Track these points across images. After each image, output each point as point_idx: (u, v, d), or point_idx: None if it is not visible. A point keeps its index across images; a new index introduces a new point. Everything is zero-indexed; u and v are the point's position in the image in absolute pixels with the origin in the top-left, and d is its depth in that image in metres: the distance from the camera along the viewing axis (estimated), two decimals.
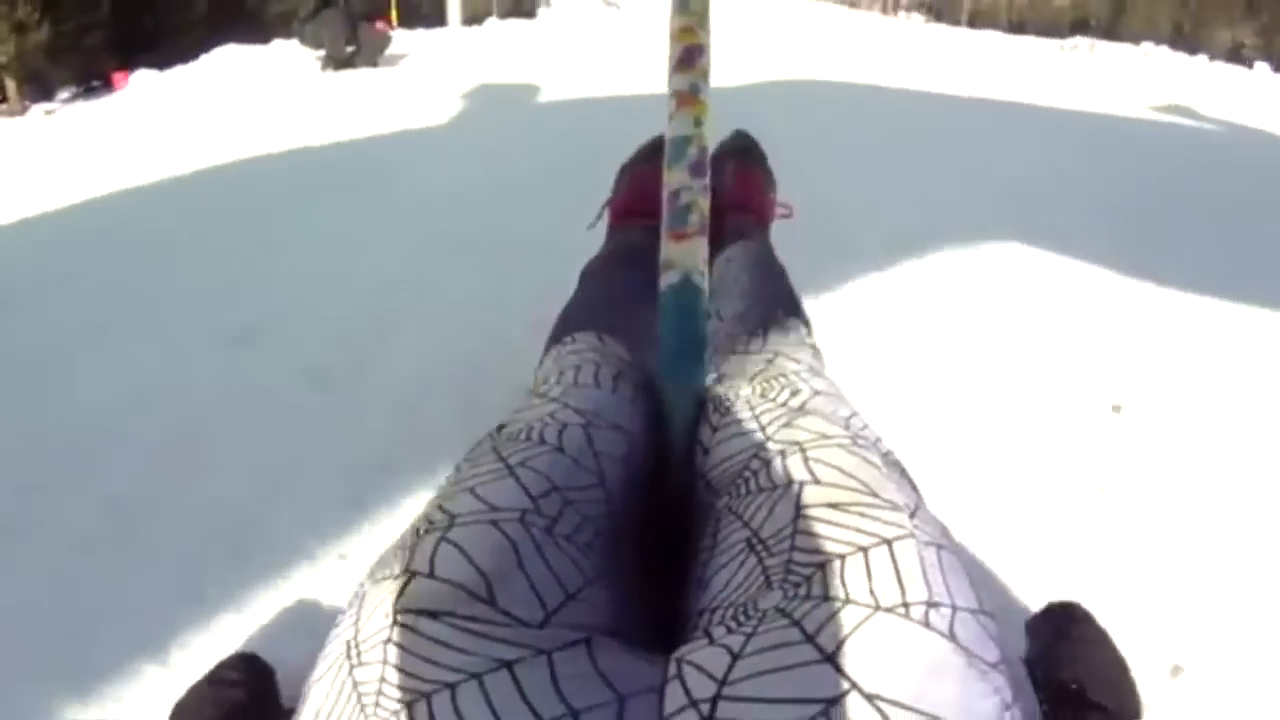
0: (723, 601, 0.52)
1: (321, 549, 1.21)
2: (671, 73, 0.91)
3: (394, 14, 10.74)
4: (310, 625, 1.09)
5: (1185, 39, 11.51)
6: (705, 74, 0.90)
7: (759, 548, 0.53)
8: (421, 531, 0.54)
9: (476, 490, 0.57)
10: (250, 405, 1.58)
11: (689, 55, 0.90)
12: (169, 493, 1.33)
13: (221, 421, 1.52)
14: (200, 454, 1.43)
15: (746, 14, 10.97)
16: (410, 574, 0.50)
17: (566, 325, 0.86)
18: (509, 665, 0.45)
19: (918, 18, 19.21)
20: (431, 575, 0.50)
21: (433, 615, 0.47)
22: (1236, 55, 10.60)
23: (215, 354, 1.76)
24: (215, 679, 0.71)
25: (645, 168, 1.07)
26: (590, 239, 1.21)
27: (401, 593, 0.49)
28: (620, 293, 0.92)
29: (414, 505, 1.27)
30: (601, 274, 0.97)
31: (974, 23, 16.25)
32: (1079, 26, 14.47)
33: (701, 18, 0.93)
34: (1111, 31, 13.47)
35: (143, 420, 1.53)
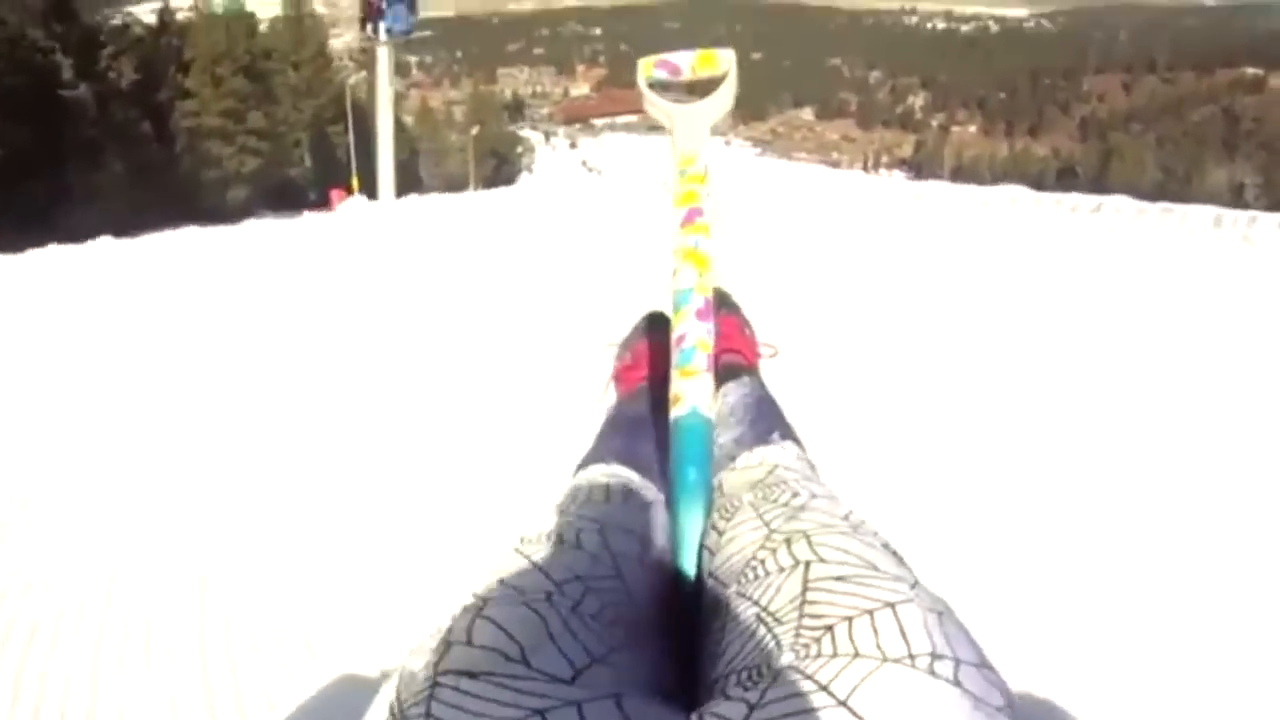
0: (736, 667, 0.54)
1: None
2: (676, 232, 0.99)
3: (354, 181, 12.81)
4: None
5: (1178, 180, 10.20)
6: (706, 231, 0.98)
7: (768, 619, 0.55)
8: (455, 613, 0.57)
9: (504, 579, 0.61)
10: None
11: (690, 215, 0.99)
12: None
13: None
14: None
15: (731, 181, 11.51)
16: (448, 644, 0.53)
17: (584, 463, 0.91)
18: (541, 713, 0.47)
19: (899, 175, 25.02)
20: (469, 643, 0.53)
21: (472, 676, 0.50)
22: (1238, 196, 9.27)
23: None
24: None
25: (643, 339, 1.15)
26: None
27: (441, 658, 0.52)
28: (630, 431, 0.98)
29: None
30: (613, 422, 1.04)
31: (955, 177, 17.55)
32: (1065, 175, 13.79)
33: (700, 181, 1.02)
34: (1099, 181, 12.54)
35: None
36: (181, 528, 2.11)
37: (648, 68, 1.17)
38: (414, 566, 1.89)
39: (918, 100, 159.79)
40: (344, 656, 1.55)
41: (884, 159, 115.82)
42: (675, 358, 0.91)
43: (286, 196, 34.90)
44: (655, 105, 1.14)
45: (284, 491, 2.37)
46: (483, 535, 1.90)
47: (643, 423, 1.01)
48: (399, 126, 55.58)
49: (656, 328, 1.13)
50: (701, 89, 1.14)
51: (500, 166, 54.97)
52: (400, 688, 0.52)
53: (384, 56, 31.43)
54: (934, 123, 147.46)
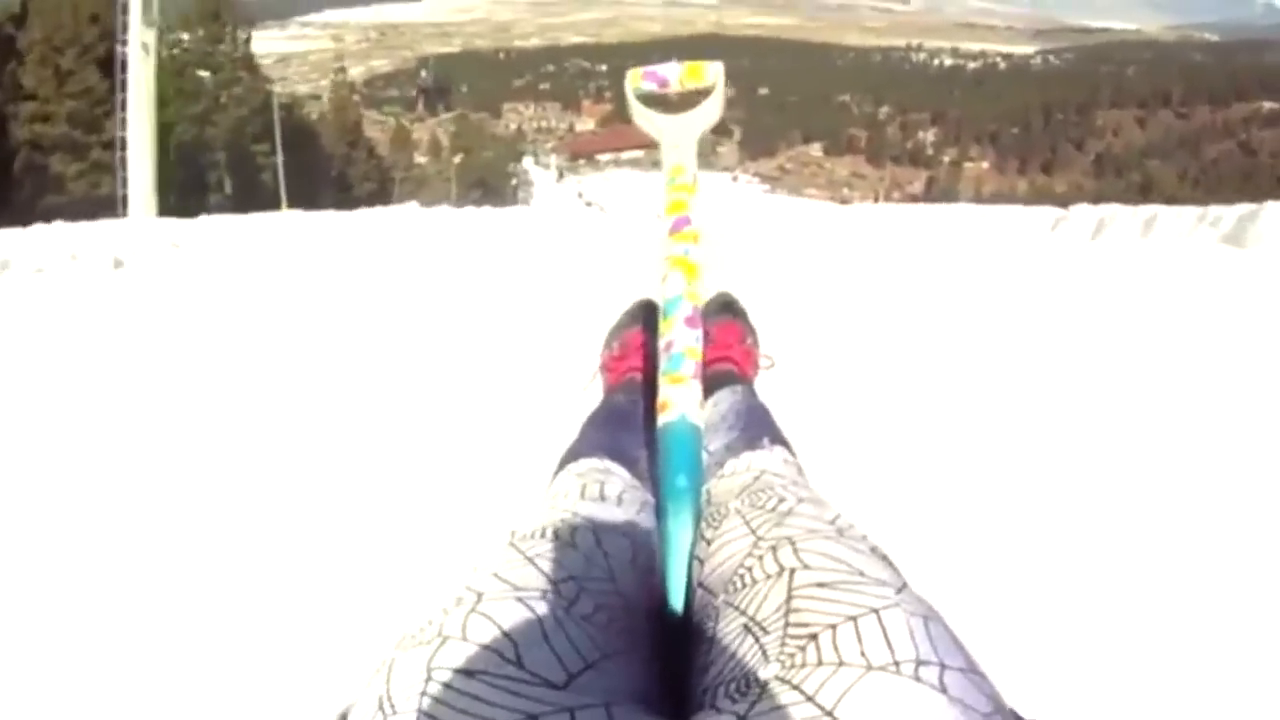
0: (724, 678, 0.55)
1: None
2: (665, 239, 1.01)
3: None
4: None
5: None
6: (695, 239, 1.00)
7: (755, 629, 0.56)
8: (450, 606, 0.57)
9: (499, 574, 0.61)
10: None
11: (679, 224, 1.01)
12: None
13: None
14: None
15: (736, 220, 11.88)
16: (444, 638, 0.53)
17: (573, 454, 0.92)
18: (534, 718, 0.48)
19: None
20: (465, 639, 0.53)
21: (468, 674, 0.50)
22: None
23: None
24: None
25: (633, 329, 1.16)
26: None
27: (436, 653, 0.52)
28: (619, 426, 0.99)
29: None
30: (603, 414, 1.04)
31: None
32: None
33: (689, 190, 1.05)
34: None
35: None
36: (148, 544, 2.05)
37: (635, 78, 1.20)
38: (400, 556, 1.88)
39: (928, 136, 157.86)
40: (328, 644, 1.55)
41: (895, 195, 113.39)
42: (663, 364, 0.92)
43: None
44: (643, 116, 1.16)
45: (267, 481, 2.35)
46: (468, 525, 1.93)
47: (631, 417, 1.02)
48: (369, 153, 52.80)
49: (645, 317, 1.15)
50: (690, 101, 1.16)
51: (485, 199, 49.92)
52: (390, 679, 0.52)
53: (135, 7, 24.87)
54: (945, 158, 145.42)
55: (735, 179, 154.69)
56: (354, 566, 1.86)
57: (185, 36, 37.85)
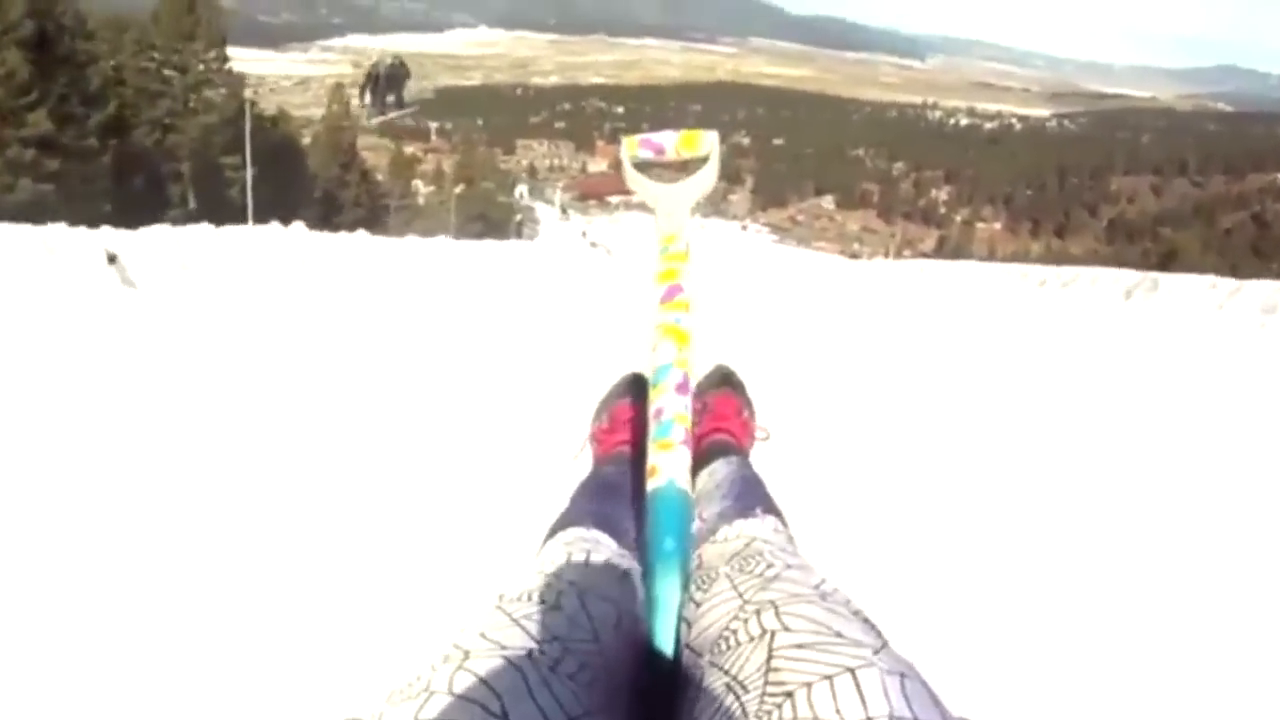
0: None
1: None
2: (656, 308, 1.03)
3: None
4: None
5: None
6: (686, 307, 1.03)
7: (736, 688, 0.57)
8: (437, 663, 0.59)
9: (486, 635, 0.63)
10: None
11: (671, 292, 1.03)
12: None
13: None
14: None
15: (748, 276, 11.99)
16: (431, 692, 0.54)
17: (562, 523, 0.94)
18: None
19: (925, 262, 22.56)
20: (450, 694, 0.54)
21: None
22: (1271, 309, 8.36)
23: None
24: None
25: (622, 402, 1.20)
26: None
27: (423, 706, 0.53)
28: (607, 497, 1.02)
29: None
30: (592, 485, 1.08)
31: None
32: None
33: (682, 259, 1.07)
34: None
35: None
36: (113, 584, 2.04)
37: (632, 146, 1.23)
38: (389, 617, 1.90)
39: (941, 194, 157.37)
40: (315, 703, 1.59)
41: (906, 252, 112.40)
42: (653, 430, 0.94)
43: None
44: (638, 183, 1.18)
45: (252, 538, 2.31)
46: (459, 589, 1.97)
47: (619, 489, 1.04)
48: (362, 176, 49.27)
49: (635, 390, 1.18)
50: (686, 169, 1.20)
51: (486, 233, 46.55)
52: None
53: None
54: (958, 217, 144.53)
55: (745, 228, 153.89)
56: (340, 627, 1.84)
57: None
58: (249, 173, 30.66)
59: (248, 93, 35.40)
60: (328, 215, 37.14)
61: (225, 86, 34.99)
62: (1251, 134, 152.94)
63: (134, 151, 29.56)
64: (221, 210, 24.03)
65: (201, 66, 34.15)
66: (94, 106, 26.77)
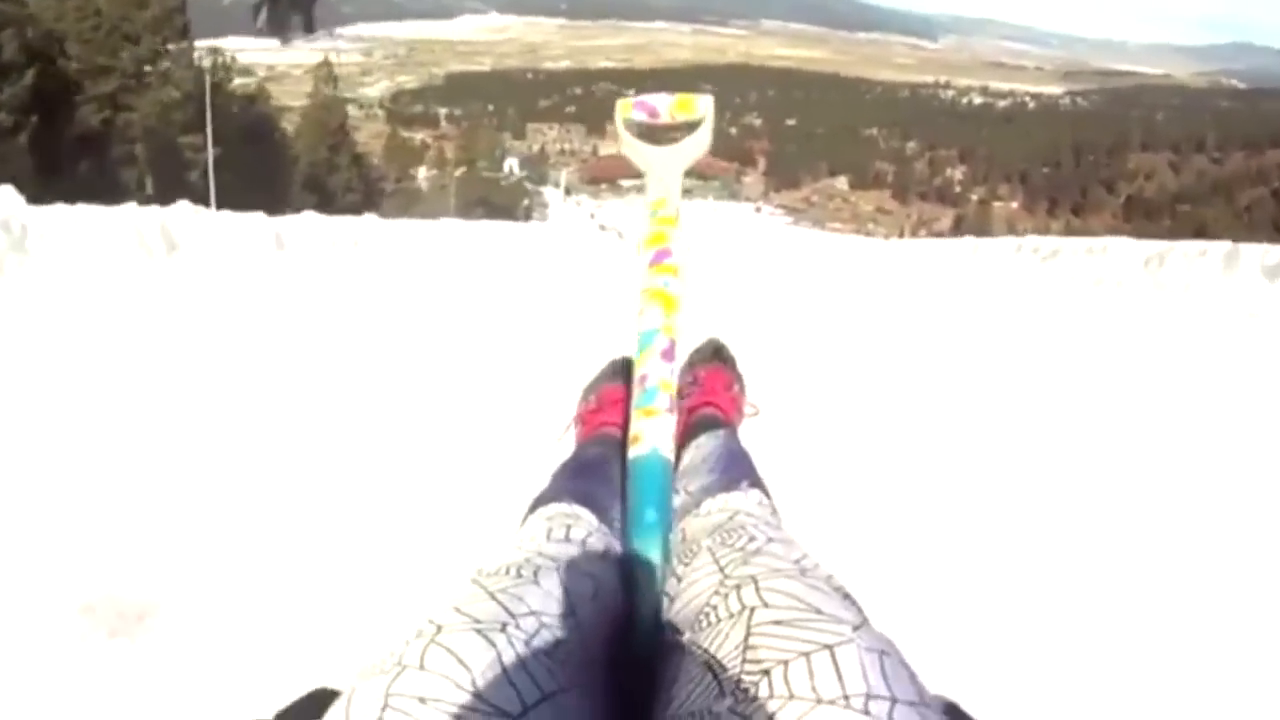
0: (681, 713, 0.56)
1: None
2: (644, 272, 1.02)
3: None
4: None
5: None
6: (674, 271, 1.02)
7: (715, 665, 0.57)
8: (410, 638, 0.58)
9: (460, 608, 0.62)
10: None
11: (659, 256, 1.03)
12: None
13: None
14: None
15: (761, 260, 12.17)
16: (402, 666, 0.55)
17: (542, 499, 0.94)
18: None
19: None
20: (422, 668, 0.54)
21: (422, 701, 0.52)
22: None
23: None
24: None
25: (611, 385, 1.19)
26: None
27: (394, 681, 0.53)
28: (590, 474, 1.01)
29: None
30: (574, 464, 1.07)
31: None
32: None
33: (671, 224, 1.06)
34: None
35: None
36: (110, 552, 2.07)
37: (625, 108, 1.21)
38: (368, 592, 1.92)
39: (956, 173, 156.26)
40: (292, 677, 1.53)
41: (922, 232, 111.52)
42: (637, 397, 0.93)
43: None
44: (630, 146, 1.16)
45: (238, 514, 2.33)
46: (438, 564, 1.98)
47: (602, 467, 1.03)
48: (353, 159, 46.24)
49: (626, 373, 1.15)
50: (680, 132, 1.17)
51: (490, 217, 41.92)
52: (349, 707, 0.53)
53: None
54: (974, 196, 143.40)
55: (759, 210, 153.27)
56: (321, 603, 1.83)
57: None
58: (210, 153, 28.41)
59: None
60: (317, 202, 32.70)
61: (183, 58, 31.50)
62: (1268, 110, 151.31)
63: (80, 132, 27.28)
64: (182, 196, 20.81)
65: (157, 37, 30.66)
66: (6, 79, 23.83)
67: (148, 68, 30.15)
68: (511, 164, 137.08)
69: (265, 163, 33.82)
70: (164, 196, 19.32)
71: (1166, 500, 2.66)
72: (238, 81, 37.91)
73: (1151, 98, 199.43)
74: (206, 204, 15.61)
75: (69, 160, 25.80)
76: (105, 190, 20.34)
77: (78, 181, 23.19)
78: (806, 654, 0.53)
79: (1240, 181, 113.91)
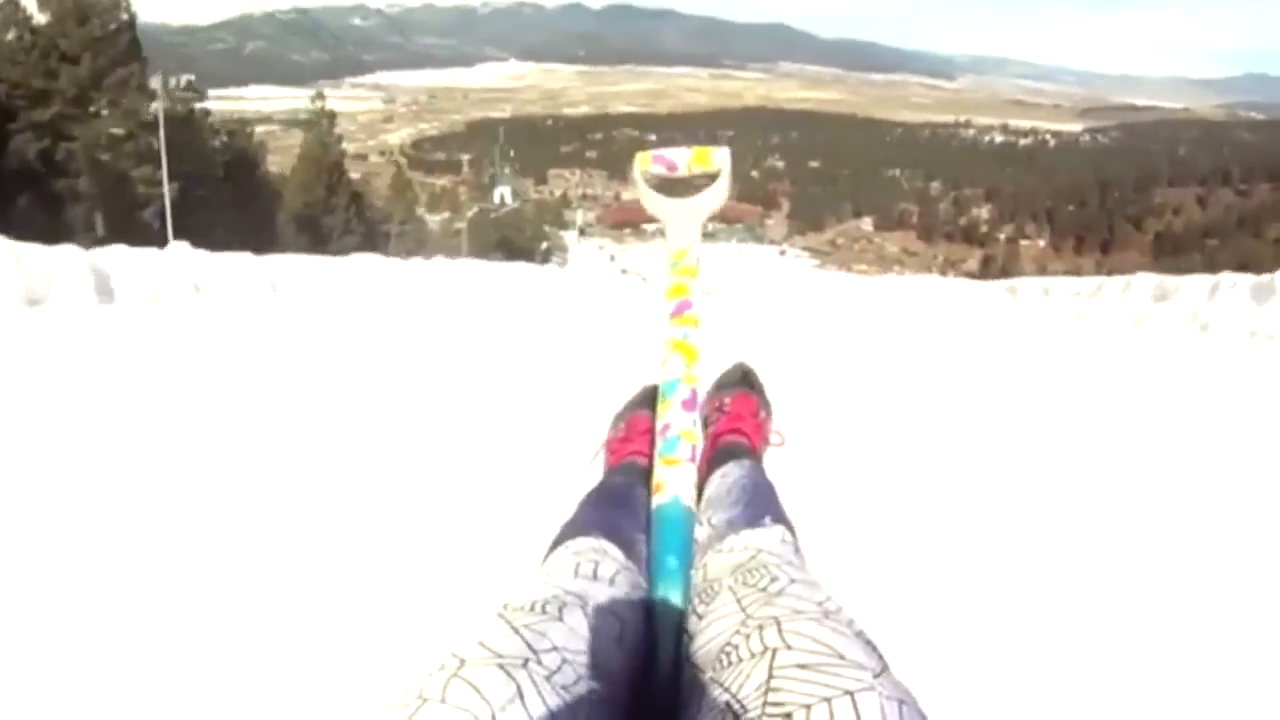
0: None
1: None
2: (666, 323, 1.05)
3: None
4: None
5: None
6: (695, 323, 1.04)
7: (736, 706, 0.57)
8: (433, 671, 0.59)
9: (484, 642, 0.62)
10: None
11: (680, 308, 1.04)
12: None
13: None
14: None
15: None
16: (424, 700, 0.55)
17: (569, 532, 0.93)
18: None
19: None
20: (443, 702, 0.55)
21: None
22: None
23: None
24: None
25: (640, 412, 1.20)
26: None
27: (415, 714, 0.54)
28: (616, 505, 1.01)
29: None
30: (599, 493, 1.08)
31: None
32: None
33: (692, 274, 1.08)
34: None
35: None
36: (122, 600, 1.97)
37: (644, 161, 1.22)
38: (394, 625, 1.89)
39: (981, 213, 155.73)
40: (316, 713, 1.58)
41: (950, 273, 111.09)
42: (659, 446, 0.96)
43: None
44: (650, 199, 1.18)
45: (254, 544, 2.29)
46: (464, 597, 1.96)
47: (629, 498, 1.03)
48: (354, 200, 42.83)
49: (652, 401, 1.14)
50: (698, 185, 1.19)
51: (509, 261, 39.96)
52: None
53: None
54: (1001, 235, 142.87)
55: (783, 252, 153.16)
56: (346, 635, 1.84)
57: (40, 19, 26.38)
58: (165, 189, 25.33)
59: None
60: (309, 243, 32.11)
61: (132, 81, 27.68)
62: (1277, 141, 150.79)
63: (16, 165, 24.49)
64: (137, 238, 16.98)
65: (101, 58, 27.04)
66: None
67: (93, 93, 26.93)
68: (503, 193, 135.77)
69: (244, 201, 31.35)
70: (118, 238, 15.90)
71: (1208, 548, 2.50)
72: (216, 114, 35.22)
73: (1171, 132, 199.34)
74: (161, 244, 13.28)
75: (3, 196, 23.18)
76: (48, 230, 17.12)
77: (13, 220, 19.66)
78: (828, 699, 0.53)
79: (1268, 214, 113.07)
